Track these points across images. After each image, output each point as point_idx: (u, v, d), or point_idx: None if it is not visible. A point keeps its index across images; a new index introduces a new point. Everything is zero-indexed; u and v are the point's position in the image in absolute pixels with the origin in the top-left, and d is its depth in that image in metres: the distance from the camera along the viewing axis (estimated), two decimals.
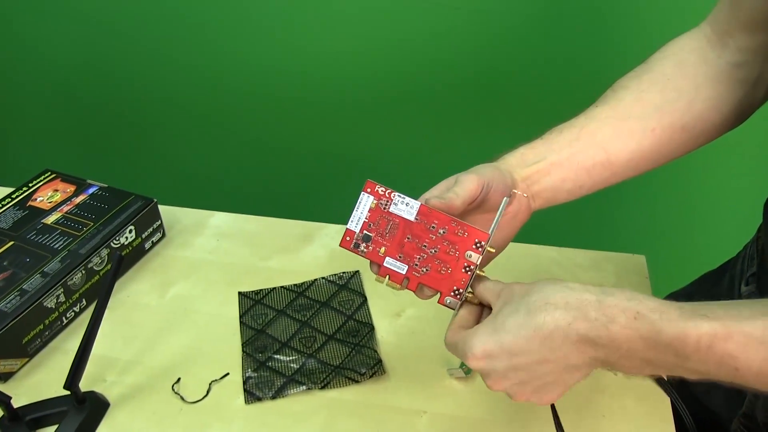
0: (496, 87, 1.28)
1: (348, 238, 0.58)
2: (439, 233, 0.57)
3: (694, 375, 0.46)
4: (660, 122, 0.62)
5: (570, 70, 1.24)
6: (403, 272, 0.58)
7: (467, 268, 0.57)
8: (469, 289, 0.57)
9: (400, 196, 0.58)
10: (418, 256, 0.57)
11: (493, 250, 0.58)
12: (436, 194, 0.59)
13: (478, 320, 0.57)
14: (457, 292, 0.57)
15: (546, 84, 1.27)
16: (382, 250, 0.58)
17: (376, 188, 0.58)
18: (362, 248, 0.58)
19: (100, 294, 0.68)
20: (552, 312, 0.48)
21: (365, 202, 0.58)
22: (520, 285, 0.53)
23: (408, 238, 0.57)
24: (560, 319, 0.48)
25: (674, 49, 0.65)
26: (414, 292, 0.59)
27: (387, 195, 0.58)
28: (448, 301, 0.58)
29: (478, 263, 0.57)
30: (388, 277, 0.58)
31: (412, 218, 0.57)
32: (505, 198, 0.57)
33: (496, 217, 0.57)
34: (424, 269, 0.57)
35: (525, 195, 0.61)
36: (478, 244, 0.57)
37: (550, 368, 0.50)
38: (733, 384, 0.45)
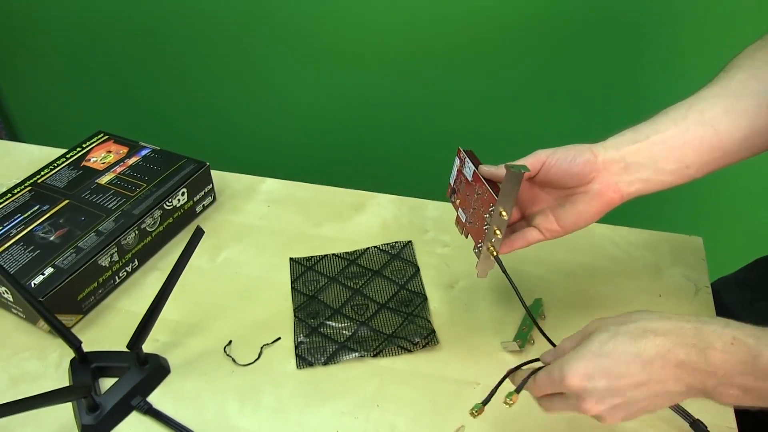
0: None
1: (449, 189, 0.69)
2: (476, 194, 0.65)
3: None
4: None
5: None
6: (464, 220, 0.67)
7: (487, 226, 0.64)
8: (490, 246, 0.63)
9: (467, 161, 0.66)
10: (471, 209, 0.66)
11: (506, 215, 0.60)
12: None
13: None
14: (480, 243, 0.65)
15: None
16: (458, 201, 0.68)
17: (459, 151, 0.68)
18: (453, 198, 0.69)
19: (177, 263, 0.68)
20: (653, 339, 0.49)
21: (456, 163, 0.68)
22: (610, 317, 0.54)
23: (467, 195, 0.67)
24: (661, 345, 0.49)
25: None
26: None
27: (461, 157, 0.67)
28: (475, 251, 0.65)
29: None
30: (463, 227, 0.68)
31: (469, 179, 0.66)
32: (513, 170, 0.58)
33: (503, 189, 0.59)
34: (470, 222, 0.67)
35: (527, 170, 0.60)
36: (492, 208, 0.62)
37: (646, 393, 0.50)
38: None
